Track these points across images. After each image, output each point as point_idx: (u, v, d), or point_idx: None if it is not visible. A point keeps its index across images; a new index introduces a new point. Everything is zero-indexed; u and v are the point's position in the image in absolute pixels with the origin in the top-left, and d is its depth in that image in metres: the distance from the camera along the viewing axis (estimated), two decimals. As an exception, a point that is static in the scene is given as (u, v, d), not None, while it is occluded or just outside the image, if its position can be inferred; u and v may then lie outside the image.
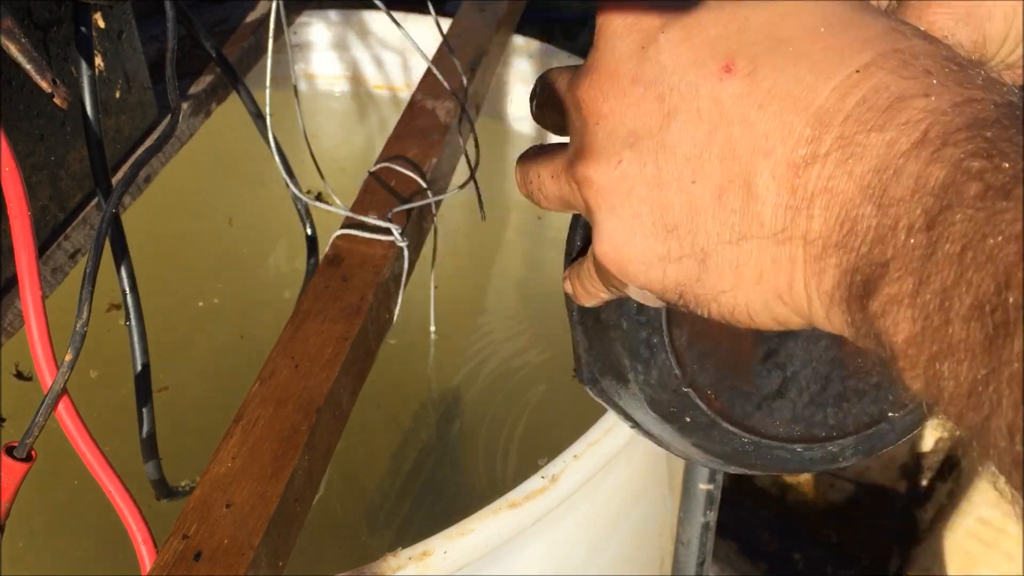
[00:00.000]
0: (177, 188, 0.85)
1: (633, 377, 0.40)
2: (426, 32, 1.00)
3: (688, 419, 0.40)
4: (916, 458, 1.41)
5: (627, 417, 0.43)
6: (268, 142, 0.69)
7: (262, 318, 1.03)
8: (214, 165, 1.01)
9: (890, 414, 0.41)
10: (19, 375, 0.84)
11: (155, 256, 0.87)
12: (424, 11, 0.78)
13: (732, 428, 0.40)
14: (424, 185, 0.69)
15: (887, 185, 0.27)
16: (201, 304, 1.04)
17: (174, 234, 1.03)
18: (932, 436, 1.40)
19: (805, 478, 1.44)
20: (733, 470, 0.43)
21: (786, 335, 0.40)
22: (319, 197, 0.97)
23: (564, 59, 0.97)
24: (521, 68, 1.00)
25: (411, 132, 0.75)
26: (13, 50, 0.46)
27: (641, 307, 0.39)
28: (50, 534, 0.87)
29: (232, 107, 0.76)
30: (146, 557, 0.46)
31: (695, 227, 0.32)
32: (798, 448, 0.41)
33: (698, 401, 0.39)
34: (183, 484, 0.57)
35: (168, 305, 0.96)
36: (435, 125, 0.76)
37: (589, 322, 0.42)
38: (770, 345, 0.40)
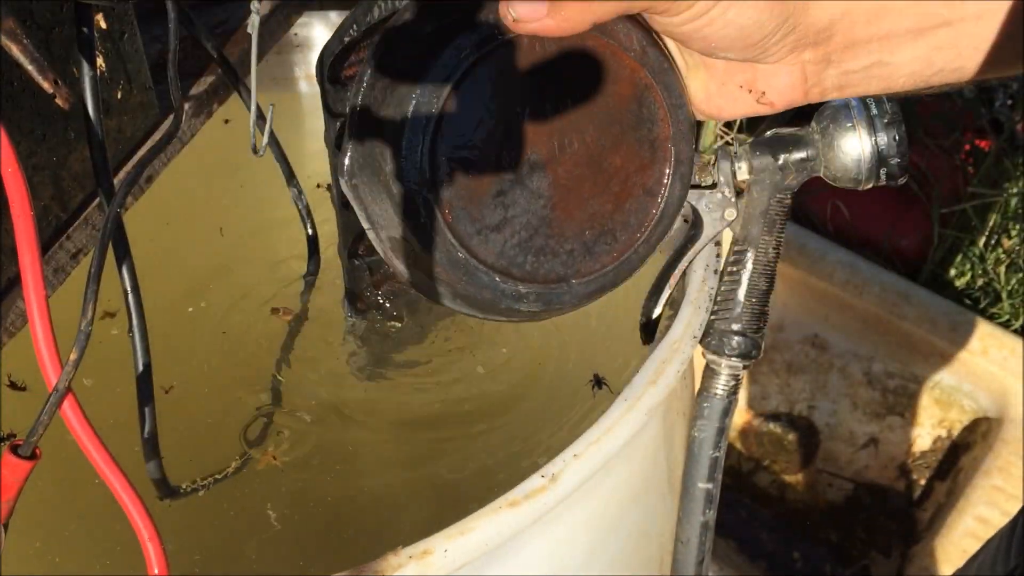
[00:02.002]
0: (175, 188, 0.85)
1: (386, 168, 0.47)
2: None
3: (421, 220, 0.47)
4: (915, 458, 1.41)
5: (370, 220, 0.50)
6: (267, 142, 0.69)
7: (263, 317, 1.03)
8: (212, 165, 1.01)
9: (572, 280, 0.51)
10: (12, 385, 0.82)
11: (153, 256, 0.87)
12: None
13: (453, 240, 0.48)
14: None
15: None
16: (204, 304, 1.04)
17: (171, 235, 1.03)
18: (931, 435, 1.40)
19: (802, 478, 1.44)
20: (443, 290, 0.51)
21: (517, 182, 0.49)
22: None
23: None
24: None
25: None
26: (15, 51, 0.46)
27: (418, 110, 0.46)
28: (52, 533, 0.87)
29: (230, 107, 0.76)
30: (152, 554, 0.47)
31: None
32: (496, 278, 0.49)
33: (434, 206, 0.47)
34: (184, 486, 0.57)
35: (165, 306, 0.96)
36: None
37: (368, 120, 0.48)
38: (503, 186, 0.48)
